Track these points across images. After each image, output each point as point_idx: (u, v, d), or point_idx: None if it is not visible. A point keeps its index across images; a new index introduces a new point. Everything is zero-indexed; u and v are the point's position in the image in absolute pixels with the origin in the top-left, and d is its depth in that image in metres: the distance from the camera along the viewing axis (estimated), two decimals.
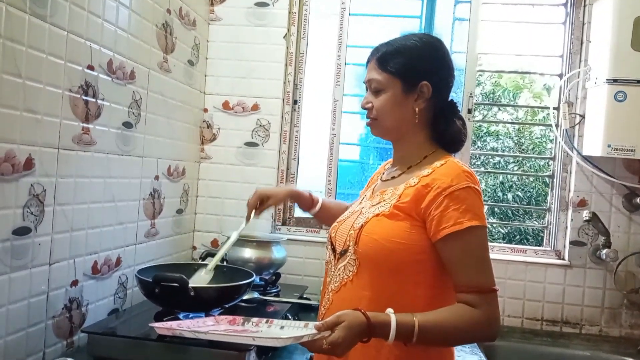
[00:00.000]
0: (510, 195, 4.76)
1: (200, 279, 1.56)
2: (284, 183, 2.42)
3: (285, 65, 2.40)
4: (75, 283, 1.54)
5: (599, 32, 2.17)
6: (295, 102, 2.45)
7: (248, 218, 1.51)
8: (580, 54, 2.30)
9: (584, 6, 2.29)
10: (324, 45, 2.49)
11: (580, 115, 2.26)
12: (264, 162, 2.38)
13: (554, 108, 2.33)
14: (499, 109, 4.94)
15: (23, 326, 1.34)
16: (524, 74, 4.71)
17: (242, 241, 2.03)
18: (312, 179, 2.54)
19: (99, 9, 1.55)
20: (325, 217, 1.58)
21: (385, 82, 1.25)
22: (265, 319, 1.17)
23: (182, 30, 2.12)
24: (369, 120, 1.30)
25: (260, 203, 1.51)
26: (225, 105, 2.40)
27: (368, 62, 1.30)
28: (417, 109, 1.25)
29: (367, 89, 1.30)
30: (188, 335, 1.10)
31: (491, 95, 5.02)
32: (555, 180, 2.36)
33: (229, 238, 1.54)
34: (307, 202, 1.55)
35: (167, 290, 1.43)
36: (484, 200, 1.19)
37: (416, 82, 1.24)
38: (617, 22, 2.04)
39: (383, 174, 1.39)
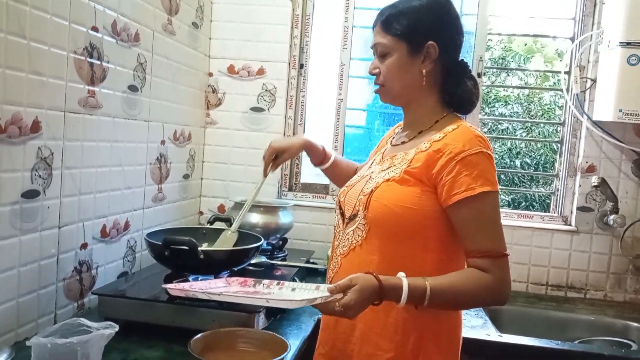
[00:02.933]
0: (518, 162, 4.73)
1: (227, 239, 1.59)
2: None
3: (292, 27, 2.36)
4: (84, 246, 1.55)
5: None
6: (301, 66, 2.41)
7: (265, 173, 1.52)
8: (594, 17, 2.24)
9: None
10: (330, 7, 2.43)
11: (592, 80, 2.22)
12: (270, 127, 2.37)
13: (565, 72, 2.29)
14: (508, 74, 4.88)
15: (34, 288, 1.36)
16: (535, 38, 4.63)
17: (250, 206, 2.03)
18: None
19: None
20: (334, 174, 1.58)
21: (391, 45, 1.22)
22: (276, 281, 1.18)
23: None
24: (377, 87, 1.28)
25: (275, 157, 1.50)
26: (231, 69, 2.37)
27: (374, 26, 1.28)
28: (424, 71, 1.23)
29: (374, 54, 1.28)
30: (201, 297, 1.11)
31: (501, 61, 4.94)
32: (564, 145, 2.34)
33: (249, 200, 1.56)
34: (319, 156, 1.54)
35: (176, 253, 1.43)
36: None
37: (422, 43, 1.21)
38: None
39: (393, 137, 1.37)
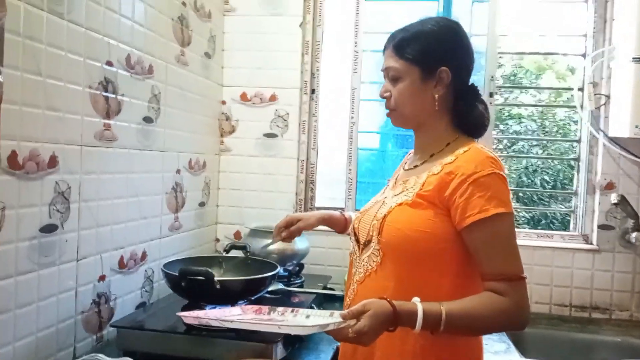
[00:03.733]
0: (537, 180, 4.68)
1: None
2: (303, 173, 2.41)
3: (302, 54, 2.39)
4: (102, 278, 1.55)
5: (624, 10, 2.11)
6: (312, 91, 2.43)
7: (275, 236, 1.50)
8: (604, 33, 2.23)
9: None
10: (340, 33, 2.46)
11: (606, 96, 2.20)
12: (284, 152, 2.38)
13: (579, 89, 2.27)
14: (521, 92, 4.86)
15: (53, 322, 1.36)
16: (546, 55, 4.62)
17: (265, 232, 2.03)
18: (332, 169, 2.53)
19: (116, 4, 1.55)
20: None
21: (403, 70, 1.22)
22: (291, 309, 1.17)
23: (197, 23, 2.11)
24: (388, 110, 1.28)
25: (289, 225, 1.48)
26: (243, 97, 2.40)
27: (385, 49, 1.27)
28: (436, 96, 1.22)
29: (385, 77, 1.28)
30: (214, 324, 1.10)
31: (512, 77, 4.93)
32: (581, 163, 2.31)
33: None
34: (340, 222, 1.51)
35: (193, 283, 1.44)
36: (509, 185, 1.16)
37: (434, 68, 1.21)
38: None
39: (406, 163, 1.37)
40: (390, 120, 1.30)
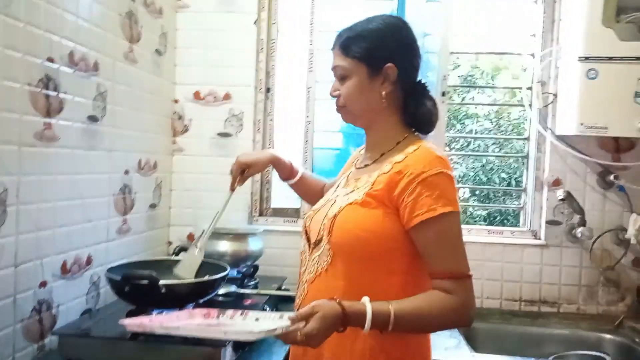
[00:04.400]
0: (495, 177, 4.78)
1: (193, 258, 1.56)
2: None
3: (257, 52, 2.36)
4: (44, 284, 1.49)
5: (569, 10, 2.16)
6: (268, 90, 2.40)
7: (232, 187, 1.52)
8: (552, 33, 2.29)
9: None
10: (295, 31, 2.44)
11: (554, 95, 2.26)
12: (238, 152, 2.26)
13: (528, 88, 2.33)
14: (477, 91, 4.96)
15: None
16: (501, 55, 4.72)
17: (218, 234, 1.99)
18: None
19: None
20: (302, 190, 1.58)
21: (350, 68, 1.23)
22: (240, 311, 1.15)
23: (148, 19, 2.06)
24: (337, 108, 1.28)
25: (242, 171, 1.50)
26: (197, 95, 2.35)
27: (333, 48, 1.27)
28: (384, 93, 1.23)
29: (335, 76, 1.28)
30: (159, 332, 1.07)
31: (469, 78, 5.02)
32: (530, 160, 2.36)
33: (215, 215, 1.56)
34: (286, 170, 1.54)
35: (137, 288, 1.39)
36: (465, 183, 1.18)
37: (381, 65, 1.21)
38: None
39: (357, 160, 1.36)
40: (341, 117, 1.30)
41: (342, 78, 1.25)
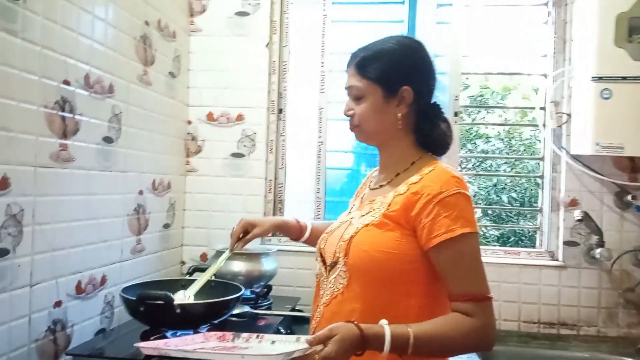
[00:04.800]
0: (505, 197, 4.74)
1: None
2: (272, 193, 2.39)
3: (269, 74, 2.38)
4: (58, 304, 1.49)
5: (581, 31, 2.17)
6: (280, 111, 2.42)
7: (231, 248, 1.46)
8: (564, 53, 2.29)
9: (565, 5, 2.28)
10: (307, 53, 2.47)
11: (567, 115, 2.25)
12: (251, 172, 2.35)
13: (541, 108, 2.32)
14: (487, 112, 4.95)
15: (4, 351, 1.29)
16: (511, 75, 4.71)
17: (234, 253, 1.98)
18: (300, 189, 2.51)
19: (73, 23, 1.52)
20: (317, 241, 1.52)
21: (365, 89, 1.22)
22: (256, 334, 1.14)
23: (161, 42, 2.09)
24: (351, 127, 1.28)
25: (245, 233, 1.45)
26: (210, 117, 2.37)
27: (347, 68, 1.27)
28: (399, 115, 1.22)
29: (348, 95, 1.28)
30: (174, 355, 1.06)
31: (479, 98, 5.02)
32: (545, 180, 2.34)
33: (213, 264, 1.50)
34: (295, 230, 1.48)
35: (152, 308, 1.39)
36: (476, 203, 1.16)
37: (397, 88, 1.21)
38: (598, 19, 2.03)
39: (371, 182, 1.35)
40: (355, 135, 1.29)
41: (356, 98, 1.24)
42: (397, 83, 1.21)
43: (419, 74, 1.24)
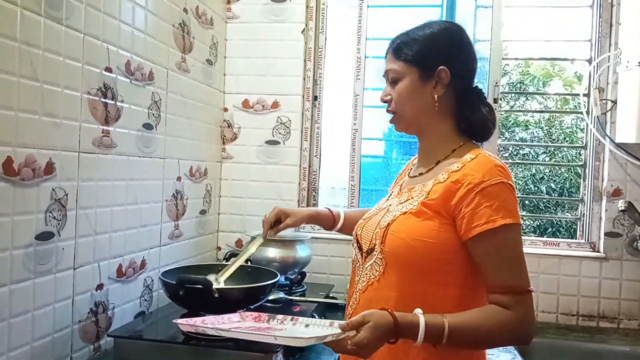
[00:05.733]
0: (543, 187, 4.63)
1: None
2: (306, 181, 2.39)
3: (304, 60, 2.37)
4: (100, 287, 1.53)
5: (629, 13, 2.08)
6: (315, 98, 2.41)
7: (264, 235, 1.49)
8: (610, 38, 2.20)
9: None
10: (343, 39, 2.45)
11: (612, 101, 2.17)
12: (286, 160, 2.36)
13: (584, 95, 2.25)
14: (527, 98, 4.83)
15: (49, 331, 1.34)
16: (553, 61, 4.57)
17: (267, 241, 2.00)
18: (334, 176, 2.51)
19: (115, 10, 1.54)
20: (351, 229, 1.52)
21: (402, 71, 1.21)
22: (290, 317, 1.15)
23: (199, 30, 2.10)
24: (390, 115, 1.27)
25: (277, 221, 1.48)
26: (245, 104, 2.38)
27: (386, 54, 1.27)
28: (436, 96, 1.19)
29: (386, 82, 1.27)
30: (210, 333, 1.08)
31: (519, 85, 4.90)
32: (587, 169, 2.27)
33: (245, 250, 1.54)
34: (328, 220, 1.50)
35: (191, 292, 1.41)
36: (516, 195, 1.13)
37: (433, 68, 1.19)
38: None
39: (411, 169, 1.34)
40: (394, 126, 1.28)
41: (393, 82, 1.23)
42: (434, 63, 1.19)
43: (456, 54, 1.21)
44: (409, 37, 1.23)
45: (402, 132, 1.30)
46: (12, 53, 1.17)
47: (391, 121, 1.27)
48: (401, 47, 1.22)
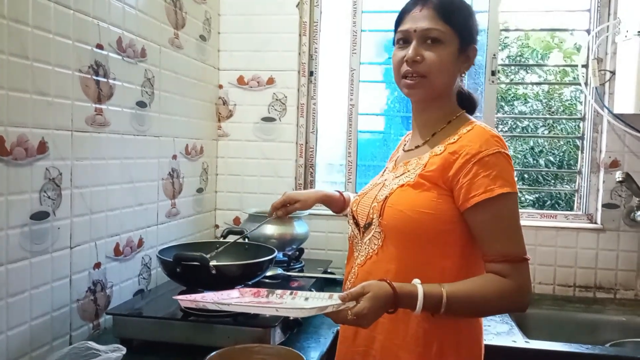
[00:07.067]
0: (542, 161, 4.63)
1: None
2: (303, 157, 2.38)
3: (300, 35, 2.34)
4: (98, 265, 1.54)
5: None
6: (311, 73, 2.39)
7: (271, 213, 1.51)
8: (609, 7, 2.17)
9: None
10: (338, 13, 2.41)
11: (611, 72, 2.15)
12: (282, 136, 2.34)
13: (583, 66, 2.22)
14: (527, 71, 4.79)
15: (47, 310, 1.35)
16: (553, 33, 4.52)
17: (264, 218, 2.00)
18: (331, 152, 2.50)
19: None
20: None
21: (447, 35, 1.15)
22: (289, 291, 1.15)
23: (192, 5, 2.07)
24: (413, 78, 1.15)
25: (285, 205, 1.49)
26: (240, 81, 2.36)
27: (412, 10, 1.17)
28: (464, 73, 1.21)
29: (405, 42, 1.17)
30: (211, 307, 1.08)
31: (518, 58, 4.86)
32: (585, 141, 2.26)
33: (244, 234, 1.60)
34: (339, 203, 1.52)
35: (188, 269, 1.42)
36: (513, 166, 1.13)
37: (469, 44, 1.18)
38: None
39: (405, 144, 1.33)
40: (408, 90, 1.18)
41: (434, 42, 1.14)
42: (471, 39, 1.19)
43: (477, 33, 1.22)
44: (452, 2, 1.17)
45: (414, 98, 1.22)
46: (0, 30, 1.15)
47: (412, 85, 1.16)
48: (450, 10, 1.15)
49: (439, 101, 1.21)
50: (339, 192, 1.54)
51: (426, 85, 1.16)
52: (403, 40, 1.18)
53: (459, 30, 1.16)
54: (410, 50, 1.15)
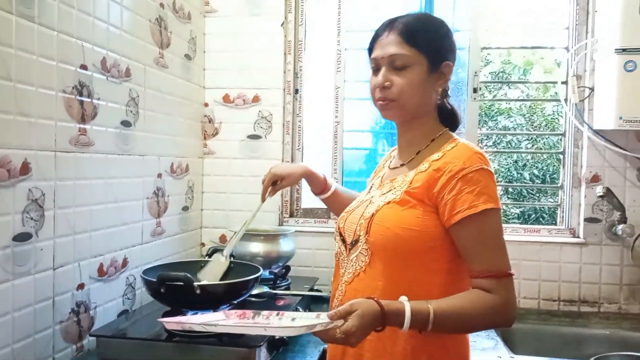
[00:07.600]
0: (526, 174, 4.68)
1: (219, 265, 1.58)
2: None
3: (285, 54, 2.36)
4: (81, 286, 1.52)
5: (605, 1, 2.10)
6: (296, 91, 2.41)
7: (263, 197, 1.51)
8: (587, 25, 2.22)
9: None
10: (322, 32, 2.44)
11: (590, 89, 2.19)
12: (268, 154, 2.35)
13: (562, 82, 2.27)
14: (509, 87, 4.87)
15: (30, 332, 1.33)
16: (533, 50, 4.61)
17: (249, 235, 2.01)
18: (318, 170, 2.50)
19: (89, 7, 1.52)
20: (334, 204, 1.53)
21: (412, 59, 1.17)
22: (275, 312, 1.15)
23: (177, 24, 2.08)
24: (383, 102, 1.20)
25: (274, 182, 1.49)
26: (226, 99, 2.37)
27: (382, 35, 1.20)
28: (439, 90, 1.21)
29: (376, 69, 1.21)
30: (197, 329, 1.08)
31: (501, 74, 4.93)
32: (566, 156, 2.30)
33: (244, 224, 1.56)
34: (320, 185, 1.51)
35: (172, 289, 1.40)
36: (497, 181, 1.15)
37: (440, 62, 1.19)
38: None
39: (390, 161, 1.34)
40: (383, 112, 1.23)
41: (399, 68, 1.17)
42: (441, 57, 1.20)
43: (453, 50, 1.24)
44: (416, 22, 1.19)
45: (392, 120, 1.27)
46: None
47: (384, 107, 1.21)
48: (412, 32, 1.17)
49: (419, 120, 1.23)
50: (324, 175, 1.52)
51: (398, 108, 1.20)
52: (375, 67, 1.22)
53: (425, 51, 1.17)
54: (379, 77, 1.20)
